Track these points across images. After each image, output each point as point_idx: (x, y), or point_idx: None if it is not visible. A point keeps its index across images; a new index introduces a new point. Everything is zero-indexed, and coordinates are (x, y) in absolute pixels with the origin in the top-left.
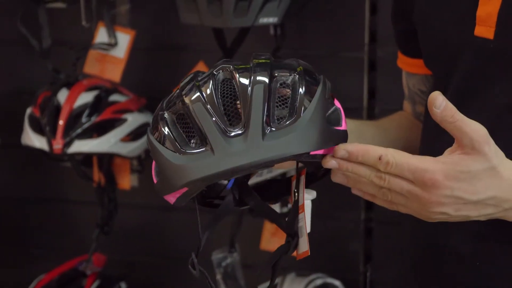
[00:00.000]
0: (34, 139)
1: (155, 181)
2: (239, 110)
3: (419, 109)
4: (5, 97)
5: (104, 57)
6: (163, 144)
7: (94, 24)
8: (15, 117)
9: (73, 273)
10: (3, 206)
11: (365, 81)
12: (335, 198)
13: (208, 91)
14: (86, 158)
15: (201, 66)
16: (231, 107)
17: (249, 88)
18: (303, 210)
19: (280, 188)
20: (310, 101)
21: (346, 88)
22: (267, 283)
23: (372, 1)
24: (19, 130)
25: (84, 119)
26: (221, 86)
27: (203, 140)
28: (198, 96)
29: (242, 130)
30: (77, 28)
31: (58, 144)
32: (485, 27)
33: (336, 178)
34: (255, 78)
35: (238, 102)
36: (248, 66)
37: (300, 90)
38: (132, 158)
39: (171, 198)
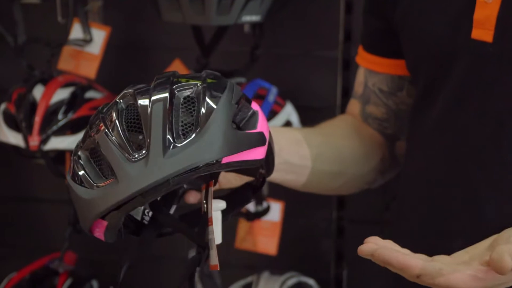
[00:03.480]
0: (9, 136)
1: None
2: (141, 135)
3: (369, 109)
4: None
5: (79, 53)
6: (80, 184)
7: (69, 20)
8: None
9: (45, 271)
10: None
11: (339, 80)
12: (307, 197)
13: (112, 120)
14: (59, 155)
15: (177, 64)
16: (136, 133)
17: (149, 109)
18: (211, 223)
19: (244, 192)
20: (212, 110)
21: (320, 86)
22: (241, 281)
23: (347, 1)
24: None
25: (60, 115)
26: (125, 113)
27: (112, 171)
28: (102, 128)
29: (144, 153)
30: (52, 24)
31: (34, 141)
32: (483, 30)
33: None
34: (154, 97)
35: (140, 125)
36: (146, 86)
37: (204, 100)
38: None
39: (99, 234)
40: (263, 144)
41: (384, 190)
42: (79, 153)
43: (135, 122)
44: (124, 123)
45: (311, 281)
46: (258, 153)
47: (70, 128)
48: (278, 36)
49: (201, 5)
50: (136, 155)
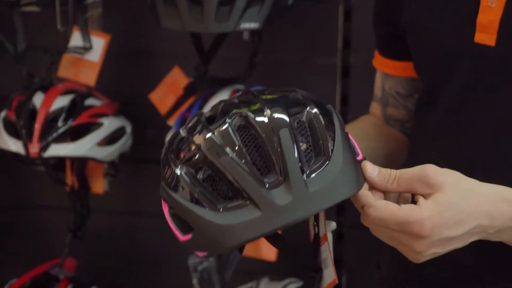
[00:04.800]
0: (9, 143)
1: (180, 236)
2: (267, 157)
3: (390, 111)
4: None
5: (79, 61)
6: (193, 201)
7: (69, 28)
8: None
9: (45, 277)
10: None
11: (338, 87)
12: None
13: (230, 141)
14: (59, 162)
15: (176, 71)
16: (256, 156)
17: (274, 132)
18: (326, 241)
19: None
20: (333, 137)
21: (319, 94)
22: (241, 287)
23: (346, 8)
24: None
25: (60, 123)
26: (238, 133)
27: (237, 194)
28: (221, 148)
29: (279, 179)
30: (52, 32)
31: (34, 148)
32: (486, 34)
33: None
34: (275, 120)
35: (263, 148)
36: (256, 105)
37: (318, 125)
38: (106, 162)
39: (211, 254)
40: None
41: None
42: (184, 170)
43: (254, 145)
44: (241, 145)
45: None
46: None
47: (70, 135)
48: (277, 43)
49: (200, 13)
50: (268, 182)
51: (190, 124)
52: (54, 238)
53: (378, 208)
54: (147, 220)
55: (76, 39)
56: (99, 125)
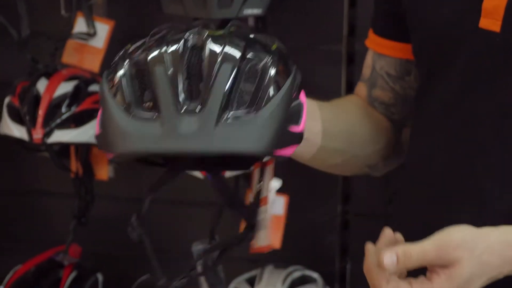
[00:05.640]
0: (13, 129)
1: (97, 131)
2: (199, 84)
3: (376, 93)
4: None
5: (83, 47)
6: (115, 96)
7: (73, 14)
8: None
9: (50, 263)
10: None
11: (343, 74)
12: (311, 190)
13: (174, 56)
14: (63, 148)
15: None
16: (194, 78)
17: (217, 64)
18: (266, 203)
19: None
20: (275, 94)
21: (323, 80)
22: (245, 275)
23: None
24: None
25: (64, 109)
26: (189, 52)
27: (156, 106)
28: (162, 57)
29: (197, 108)
30: (56, 18)
31: (38, 134)
32: (491, 20)
33: None
34: (226, 53)
35: (199, 74)
36: (222, 33)
37: (267, 78)
38: None
39: (109, 155)
40: (298, 143)
41: (386, 182)
42: (125, 64)
43: (196, 67)
44: (185, 63)
45: (315, 275)
46: (289, 151)
47: (74, 121)
48: (281, 29)
49: None
50: (187, 106)
51: (157, 35)
52: (59, 224)
53: None
54: (151, 206)
55: (80, 25)
56: None
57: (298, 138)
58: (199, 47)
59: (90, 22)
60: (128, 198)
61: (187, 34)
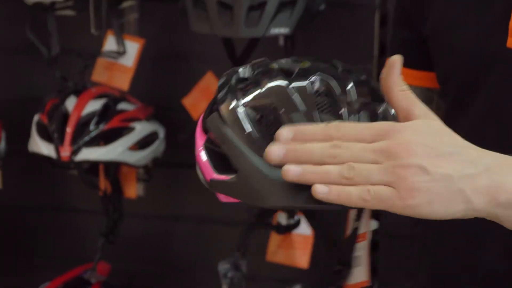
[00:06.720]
0: (41, 146)
1: (211, 173)
2: None
3: None
4: (12, 105)
5: (113, 65)
6: (247, 144)
7: (103, 32)
8: (21, 125)
9: (78, 281)
10: (8, 214)
11: None
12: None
13: (306, 99)
14: (93, 167)
15: (209, 76)
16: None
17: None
18: (365, 239)
19: None
20: None
21: None
22: None
23: (382, 13)
24: (26, 137)
25: (92, 127)
26: (316, 97)
27: None
28: (293, 105)
29: None
30: (86, 36)
31: (65, 152)
32: None
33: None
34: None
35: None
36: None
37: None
38: (139, 167)
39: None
40: None
41: None
42: (247, 109)
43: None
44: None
45: None
46: None
47: (102, 139)
48: (311, 49)
49: (230, 17)
50: None
51: (259, 68)
52: (87, 242)
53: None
54: (179, 225)
55: (110, 43)
56: (131, 129)
57: None
58: (322, 93)
59: (120, 40)
60: (156, 216)
61: (310, 77)
